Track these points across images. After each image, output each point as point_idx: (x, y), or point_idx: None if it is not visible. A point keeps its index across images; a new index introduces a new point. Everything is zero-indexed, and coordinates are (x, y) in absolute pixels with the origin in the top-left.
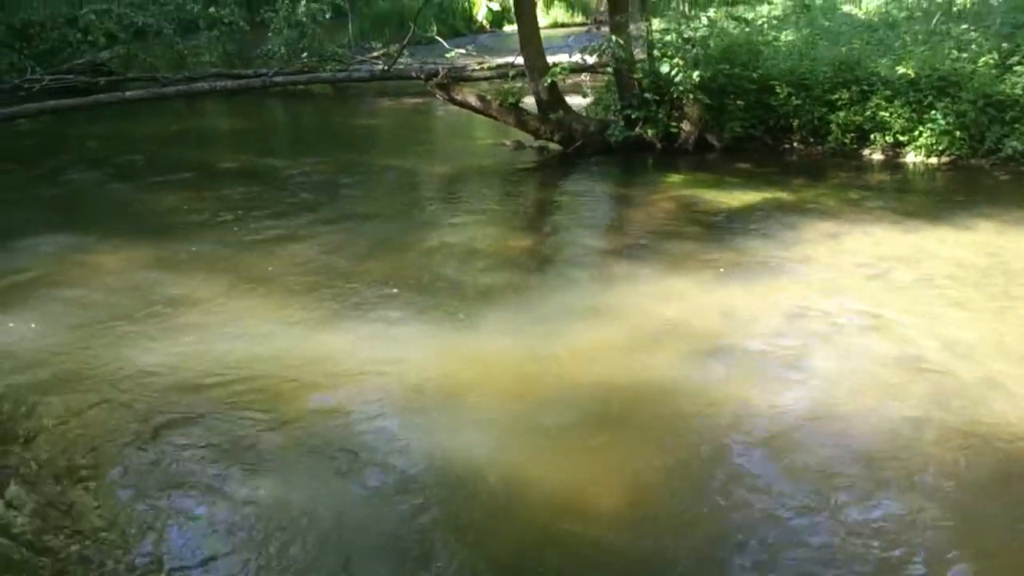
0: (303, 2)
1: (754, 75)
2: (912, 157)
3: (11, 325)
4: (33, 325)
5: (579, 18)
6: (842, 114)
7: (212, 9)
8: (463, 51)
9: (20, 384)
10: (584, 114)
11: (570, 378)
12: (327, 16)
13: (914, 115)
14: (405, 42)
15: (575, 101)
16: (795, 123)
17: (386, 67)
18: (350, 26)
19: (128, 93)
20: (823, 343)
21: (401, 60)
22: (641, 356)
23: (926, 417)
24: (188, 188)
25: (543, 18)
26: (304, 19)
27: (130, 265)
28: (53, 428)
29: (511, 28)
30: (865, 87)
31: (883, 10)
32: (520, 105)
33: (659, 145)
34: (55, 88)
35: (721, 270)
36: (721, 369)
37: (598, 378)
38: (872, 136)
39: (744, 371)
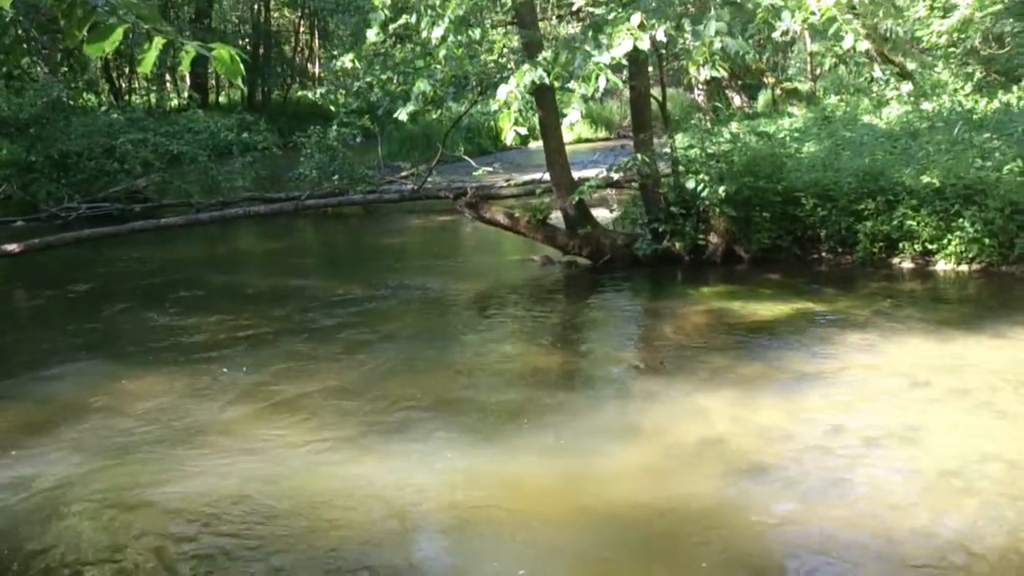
0: (333, 127)
1: (779, 187)
2: (942, 265)
3: (48, 453)
4: (64, 453)
5: (602, 133)
6: (869, 224)
7: (245, 135)
8: (490, 168)
9: (50, 513)
10: (611, 228)
11: (606, 501)
12: (357, 139)
13: (942, 223)
14: (434, 163)
15: (602, 215)
16: (822, 233)
17: (415, 187)
18: (379, 148)
19: (163, 220)
20: (863, 459)
21: (429, 180)
22: (677, 477)
23: (977, 536)
24: (220, 312)
25: (567, 134)
26: (335, 143)
27: (161, 391)
28: (81, 560)
29: (536, 144)
30: (891, 197)
31: (904, 120)
32: (548, 221)
33: (687, 257)
34: (92, 216)
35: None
36: (759, 489)
37: (635, 501)
38: (901, 245)
39: (783, 491)
